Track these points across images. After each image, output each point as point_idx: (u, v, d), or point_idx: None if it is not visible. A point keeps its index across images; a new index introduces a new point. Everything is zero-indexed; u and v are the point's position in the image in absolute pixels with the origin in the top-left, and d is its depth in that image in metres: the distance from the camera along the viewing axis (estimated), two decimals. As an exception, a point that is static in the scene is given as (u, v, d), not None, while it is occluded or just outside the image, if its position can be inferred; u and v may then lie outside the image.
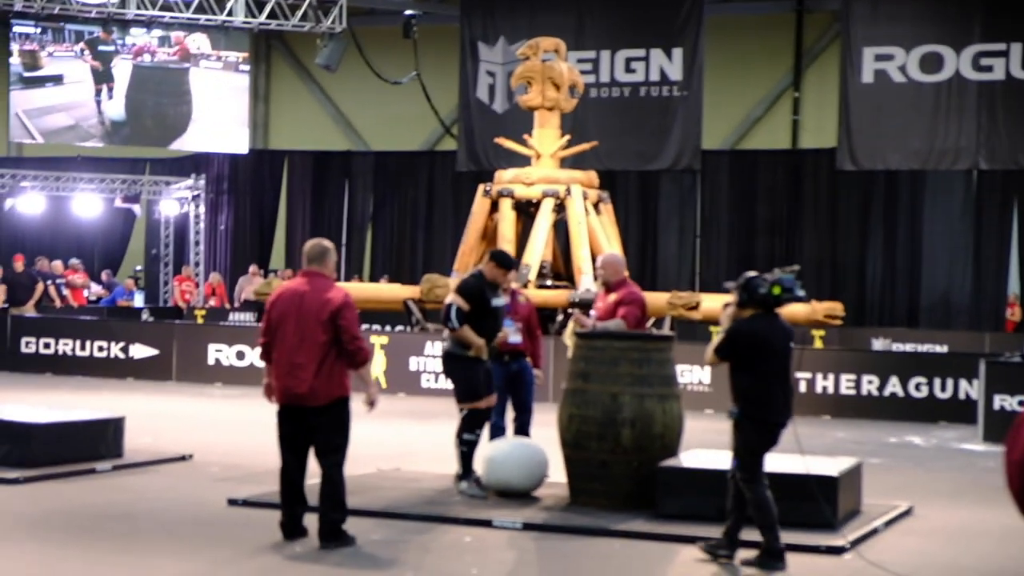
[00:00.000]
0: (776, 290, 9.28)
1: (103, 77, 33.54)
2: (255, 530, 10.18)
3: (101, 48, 33.54)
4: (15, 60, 33.39)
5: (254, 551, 9.50)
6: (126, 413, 14.04)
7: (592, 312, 12.81)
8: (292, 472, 9.80)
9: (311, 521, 9.77)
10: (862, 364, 20.08)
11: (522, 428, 12.57)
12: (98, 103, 33.65)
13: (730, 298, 9.59)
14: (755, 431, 9.28)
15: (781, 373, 9.41)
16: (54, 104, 33.79)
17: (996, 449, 16.71)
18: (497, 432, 12.47)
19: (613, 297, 12.56)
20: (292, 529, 9.80)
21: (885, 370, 19.91)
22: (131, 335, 23.80)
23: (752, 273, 9.50)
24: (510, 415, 12.72)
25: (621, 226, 27.92)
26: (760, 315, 9.38)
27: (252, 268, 34.37)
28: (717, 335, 9.58)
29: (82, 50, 33.42)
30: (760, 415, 9.27)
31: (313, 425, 9.65)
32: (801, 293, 9.38)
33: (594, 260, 22.98)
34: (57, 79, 33.72)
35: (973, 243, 32.00)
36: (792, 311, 14.94)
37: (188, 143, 34.94)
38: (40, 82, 33.69)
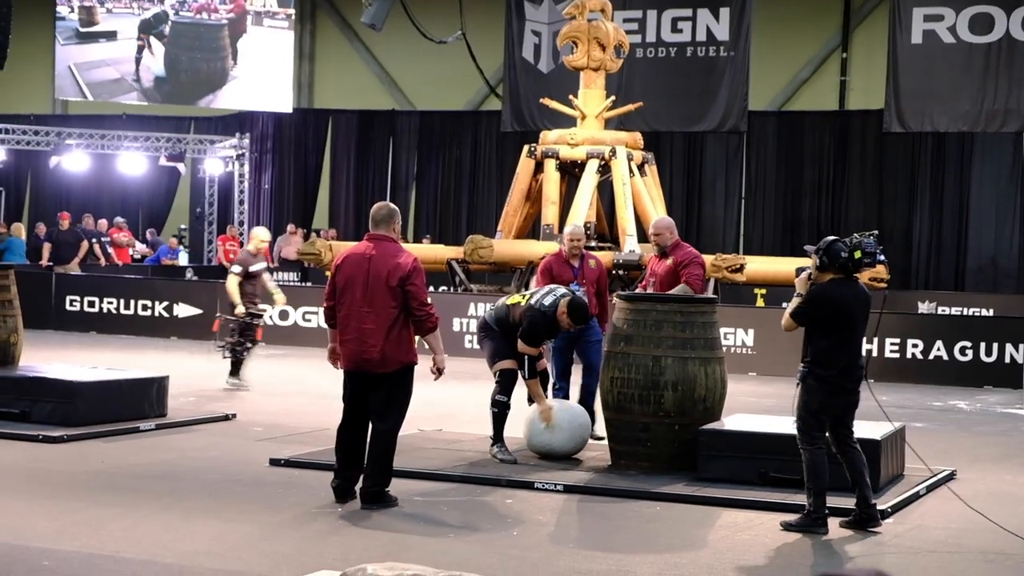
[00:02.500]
0: (857, 254, 9.24)
1: (151, 34, 33.62)
2: (297, 490, 10.23)
3: (155, 11, 33.64)
4: (72, 15, 33.47)
5: (296, 511, 9.53)
6: (170, 372, 14.11)
7: (650, 278, 12.70)
8: (353, 436, 9.78)
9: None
10: (907, 328, 19.95)
11: (586, 389, 12.52)
12: (137, 61, 33.68)
13: (806, 262, 9.56)
14: (821, 392, 9.28)
15: (856, 338, 9.39)
16: (104, 59, 33.88)
17: (1042, 414, 16.62)
18: (559, 395, 12.43)
19: (670, 261, 12.46)
20: (345, 491, 9.79)
21: (930, 334, 19.81)
22: (175, 294, 23.86)
23: (833, 237, 9.45)
24: (575, 377, 12.71)
25: (666, 188, 27.84)
26: (840, 280, 9.36)
27: (290, 227, 34.37)
28: (793, 300, 9.52)
29: (138, 11, 33.50)
30: (829, 377, 9.26)
31: (377, 388, 9.64)
32: (882, 258, 9.32)
33: (638, 222, 22.98)
34: (111, 35, 33.81)
35: (1021, 206, 31.72)
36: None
37: (229, 100, 34.96)
38: (94, 37, 33.77)
